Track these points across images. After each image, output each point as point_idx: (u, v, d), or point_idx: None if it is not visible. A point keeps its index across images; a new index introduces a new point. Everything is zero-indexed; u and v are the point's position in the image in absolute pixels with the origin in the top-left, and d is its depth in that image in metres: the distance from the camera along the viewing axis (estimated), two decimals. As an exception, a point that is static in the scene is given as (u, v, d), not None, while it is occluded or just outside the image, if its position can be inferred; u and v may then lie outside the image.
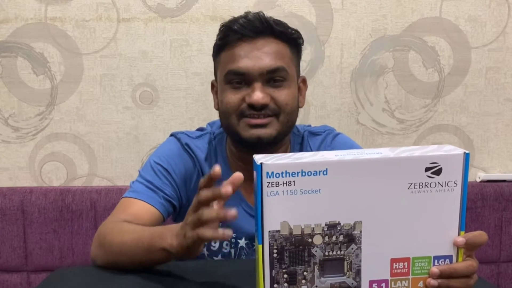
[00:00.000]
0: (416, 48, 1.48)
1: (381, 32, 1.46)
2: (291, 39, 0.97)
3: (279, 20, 0.96)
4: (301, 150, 1.05)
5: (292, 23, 1.01)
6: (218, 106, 1.00)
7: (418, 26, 1.47)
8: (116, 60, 1.43)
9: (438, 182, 0.60)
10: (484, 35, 1.48)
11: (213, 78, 1.04)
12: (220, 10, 1.42)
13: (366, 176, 0.59)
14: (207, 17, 1.42)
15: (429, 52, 1.48)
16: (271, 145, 0.95)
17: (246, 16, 0.94)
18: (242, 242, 1.01)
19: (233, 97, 0.93)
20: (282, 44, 0.95)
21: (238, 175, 0.66)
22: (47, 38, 1.41)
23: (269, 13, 1.21)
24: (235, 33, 0.93)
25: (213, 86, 1.04)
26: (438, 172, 0.60)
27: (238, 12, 1.27)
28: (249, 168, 0.99)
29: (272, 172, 0.58)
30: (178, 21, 1.42)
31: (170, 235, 0.74)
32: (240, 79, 0.93)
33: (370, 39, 1.47)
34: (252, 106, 0.91)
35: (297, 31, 0.99)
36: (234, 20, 0.94)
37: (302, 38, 1.00)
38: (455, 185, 0.61)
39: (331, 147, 1.04)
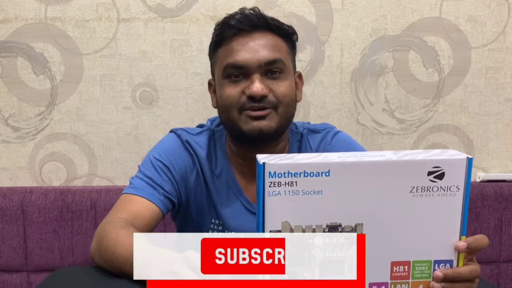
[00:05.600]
0: (416, 48, 1.48)
1: (381, 32, 1.46)
2: (286, 34, 0.98)
3: (273, 17, 0.98)
4: (300, 147, 1.04)
5: (292, 23, 1.01)
6: (216, 104, 1.00)
7: (418, 26, 1.46)
8: (116, 60, 1.43)
9: (441, 187, 0.60)
10: (484, 35, 1.48)
11: None
12: (220, 10, 1.41)
13: (368, 179, 0.59)
14: (207, 17, 1.42)
15: (429, 52, 1.48)
16: (271, 139, 0.96)
17: (242, 11, 0.95)
18: None
19: (232, 91, 0.93)
20: (278, 38, 0.96)
21: None
22: (47, 38, 1.41)
23: (269, 13, 1.21)
24: (231, 28, 0.94)
25: (210, 85, 1.04)
26: (440, 176, 0.60)
27: (239, 12, 1.27)
28: (248, 164, 1.00)
29: (275, 172, 0.58)
30: (178, 21, 1.42)
31: None
32: (238, 72, 0.93)
33: (370, 39, 1.46)
34: (251, 98, 0.92)
35: (291, 27, 1.00)
36: (230, 16, 0.95)
37: (297, 35, 1.01)
38: (458, 189, 0.61)
39: (331, 145, 1.04)
